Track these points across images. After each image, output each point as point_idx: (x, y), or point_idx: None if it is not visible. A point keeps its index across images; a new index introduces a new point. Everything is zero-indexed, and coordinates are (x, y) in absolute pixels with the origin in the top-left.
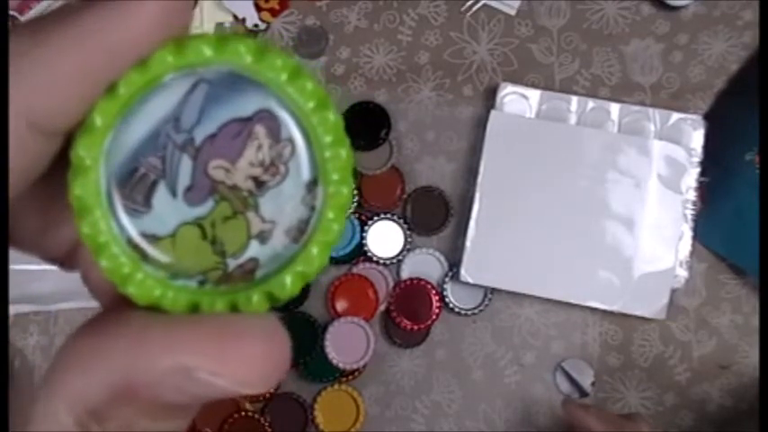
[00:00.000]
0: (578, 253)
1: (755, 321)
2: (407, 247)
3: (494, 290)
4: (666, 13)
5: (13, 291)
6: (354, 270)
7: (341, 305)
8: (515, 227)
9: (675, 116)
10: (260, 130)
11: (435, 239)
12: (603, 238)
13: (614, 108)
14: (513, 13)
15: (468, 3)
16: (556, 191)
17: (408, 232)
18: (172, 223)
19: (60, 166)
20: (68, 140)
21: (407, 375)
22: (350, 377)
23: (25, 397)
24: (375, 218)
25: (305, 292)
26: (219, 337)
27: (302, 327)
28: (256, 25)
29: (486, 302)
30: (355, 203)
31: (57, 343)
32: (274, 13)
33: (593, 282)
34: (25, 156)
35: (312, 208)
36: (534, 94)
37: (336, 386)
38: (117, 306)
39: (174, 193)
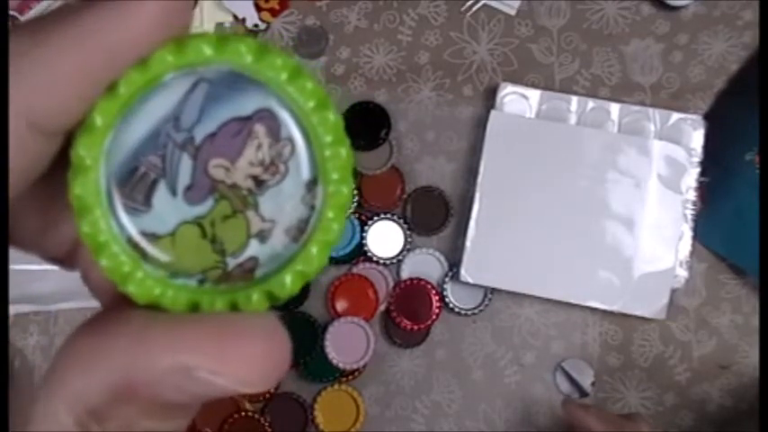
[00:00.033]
0: (578, 253)
1: (755, 321)
2: (407, 247)
3: (494, 290)
4: (666, 13)
5: (13, 291)
6: (354, 270)
7: (341, 305)
8: (515, 227)
9: (675, 116)
10: (260, 129)
11: (435, 239)
12: (603, 238)
13: (614, 108)
14: (513, 13)
15: (468, 3)
16: (556, 191)
17: (408, 232)
18: (172, 222)
19: (60, 165)
20: (68, 140)
21: (407, 375)
22: (350, 377)
23: (25, 397)
24: (375, 218)
25: (305, 291)
26: (219, 336)
27: (302, 327)
28: (256, 25)
29: (486, 302)
30: (355, 203)
31: (57, 343)
32: (274, 13)
33: (593, 282)
34: (25, 155)
35: (312, 207)
36: (534, 94)
37: (336, 386)
38: (117, 305)
39: (173, 192)
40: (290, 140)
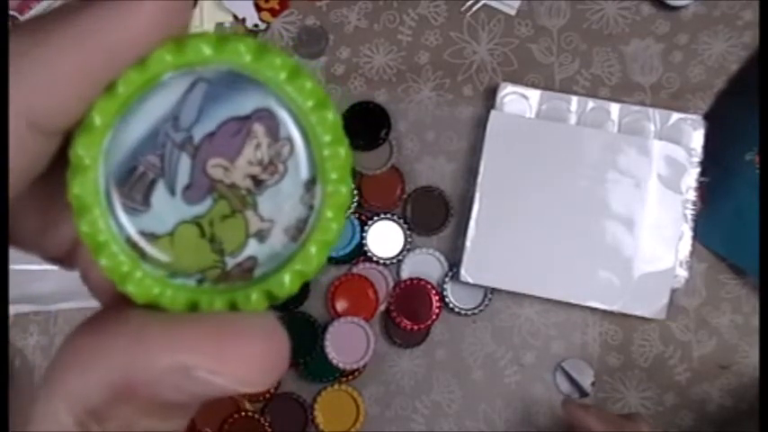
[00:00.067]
0: (578, 253)
1: (755, 321)
2: (407, 247)
3: (494, 290)
4: (666, 13)
5: (13, 291)
6: (354, 270)
7: (341, 305)
8: (515, 227)
9: (675, 116)
10: (259, 128)
11: (435, 239)
12: (603, 238)
13: (614, 108)
14: (513, 13)
15: (469, 3)
16: (556, 191)
17: (408, 232)
18: (170, 222)
19: (59, 165)
20: (67, 140)
21: (407, 375)
22: (350, 377)
23: (25, 397)
24: (375, 218)
25: (305, 292)
26: (218, 335)
27: (302, 327)
28: (256, 25)
29: (486, 302)
30: (355, 203)
31: (57, 343)
32: (274, 13)
33: (593, 282)
34: (25, 155)
35: (311, 207)
36: (534, 94)
37: (336, 386)
38: (116, 305)
39: (172, 192)
40: (289, 140)
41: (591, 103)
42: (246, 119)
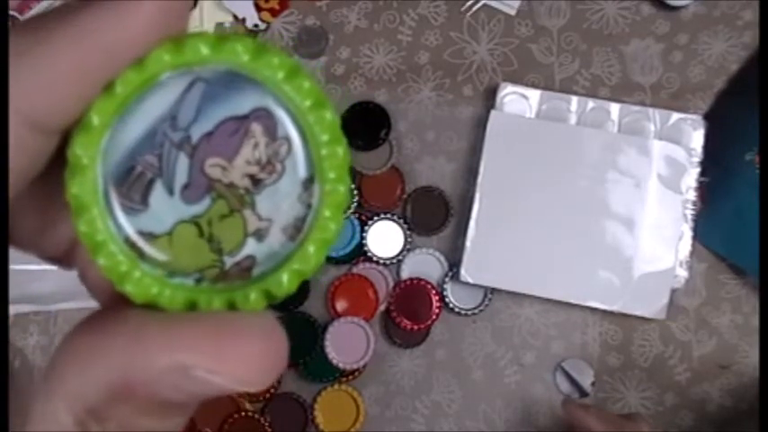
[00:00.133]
0: (578, 253)
1: (755, 321)
2: (407, 247)
3: (494, 290)
4: (666, 13)
5: (13, 291)
6: (354, 270)
7: (341, 305)
8: (515, 227)
9: (675, 116)
10: (257, 128)
11: (435, 239)
12: (603, 238)
13: (614, 108)
14: (513, 13)
15: (469, 3)
16: (556, 191)
17: (408, 232)
18: (169, 221)
19: (58, 164)
20: (66, 139)
21: (407, 375)
22: (350, 377)
23: (25, 397)
24: (375, 218)
25: (305, 292)
26: (217, 335)
27: (302, 327)
28: (256, 25)
29: (486, 302)
30: (355, 203)
31: (57, 343)
32: (274, 13)
33: (593, 282)
34: (23, 154)
35: (309, 206)
36: (534, 94)
37: (336, 386)
38: (115, 304)
39: (170, 192)
40: (287, 139)
41: (591, 103)
42: (244, 118)
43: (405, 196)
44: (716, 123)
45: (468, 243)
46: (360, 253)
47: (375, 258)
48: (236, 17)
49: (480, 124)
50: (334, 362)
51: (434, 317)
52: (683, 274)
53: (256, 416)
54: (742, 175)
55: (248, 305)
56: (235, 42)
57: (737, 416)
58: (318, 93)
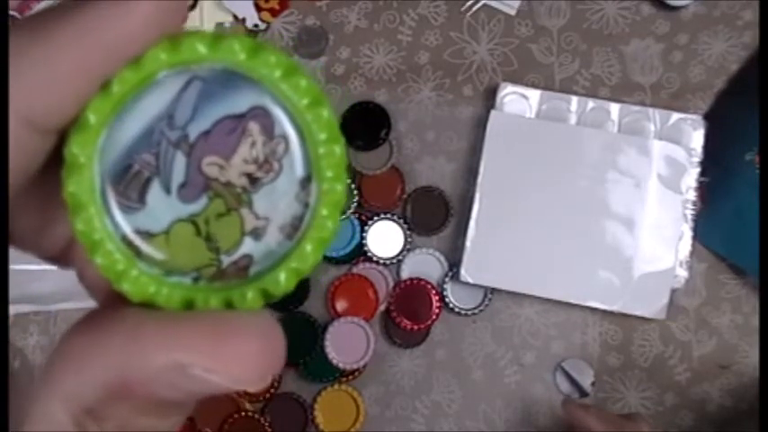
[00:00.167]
0: (578, 253)
1: (755, 321)
2: (407, 247)
3: (494, 290)
4: (666, 13)
5: (13, 291)
6: (354, 270)
7: (341, 305)
8: (515, 227)
9: (675, 116)
10: (254, 126)
11: (435, 239)
12: (603, 238)
13: (614, 108)
14: (513, 13)
15: (469, 3)
16: (556, 191)
17: (408, 232)
18: (166, 220)
19: (55, 163)
20: (63, 138)
21: (407, 375)
22: (350, 377)
23: (24, 397)
24: (375, 218)
25: (305, 292)
26: (214, 333)
27: (302, 327)
28: (256, 25)
29: (486, 302)
30: (355, 203)
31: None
32: (274, 13)
33: (593, 282)
34: (20, 153)
35: (306, 205)
36: (534, 94)
37: (336, 386)
38: (112, 303)
39: (167, 190)
40: (284, 138)
41: (591, 103)
42: (242, 117)
43: (405, 196)
44: (716, 123)
45: (468, 243)
46: (360, 253)
47: (375, 258)
48: (236, 17)
49: (480, 124)
50: (334, 362)
51: (434, 317)
52: (683, 274)
53: (256, 416)
54: (742, 175)
55: (245, 304)
56: (232, 41)
57: (737, 416)
58: (316, 91)
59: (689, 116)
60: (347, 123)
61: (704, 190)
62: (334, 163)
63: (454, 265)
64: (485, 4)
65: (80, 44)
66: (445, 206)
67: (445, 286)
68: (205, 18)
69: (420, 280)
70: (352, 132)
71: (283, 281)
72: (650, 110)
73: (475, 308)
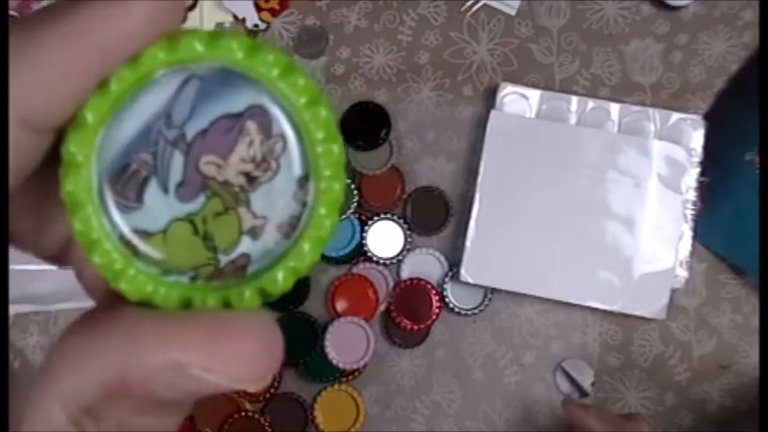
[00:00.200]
0: (578, 253)
1: (755, 321)
2: (407, 247)
3: (494, 290)
4: (666, 13)
5: (13, 291)
6: (354, 270)
7: (341, 305)
8: (515, 227)
9: (675, 116)
10: (251, 125)
11: (435, 239)
12: (603, 238)
13: (614, 108)
14: (513, 13)
15: (469, 3)
16: (556, 191)
17: (408, 232)
18: (163, 219)
19: (52, 162)
20: (60, 137)
21: (407, 375)
22: (350, 377)
23: (22, 397)
24: (375, 218)
25: (305, 292)
26: (212, 332)
27: (302, 327)
28: (256, 25)
29: (486, 302)
30: (355, 203)
31: None
32: (274, 13)
33: (593, 282)
34: (18, 152)
35: (304, 204)
36: (534, 94)
37: (336, 386)
38: (110, 302)
39: (165, 189)
40: (282, 137)
41: (591, 103)
42: (239, 116)
43: (405, 196)
44: (716, 123)
45: (468, 243)
46: (360, 253)
47: (375, 258)
48: (236, 17)
49: (480, 124)
50: (334, 362)
51: (434, 317)
52: (683, 274)
53: (256, 416)
54: (742, 175)
55: (243, 303)
56: (229, 39)
57: (737, 416)
58: (313, 90)
59: (689, 116)
60: (347, 123)
61: (704, 190)
62: (332, 162)
63: (454, 265)
64: (485, 4)
65: (76, 44)
66: (445, 206)
67: (445, 286)
68: (205, 18)
69: (420, 280)
70: (352, 132)
71: (281, 280)
72: (650, 110)
73: (475, 308)
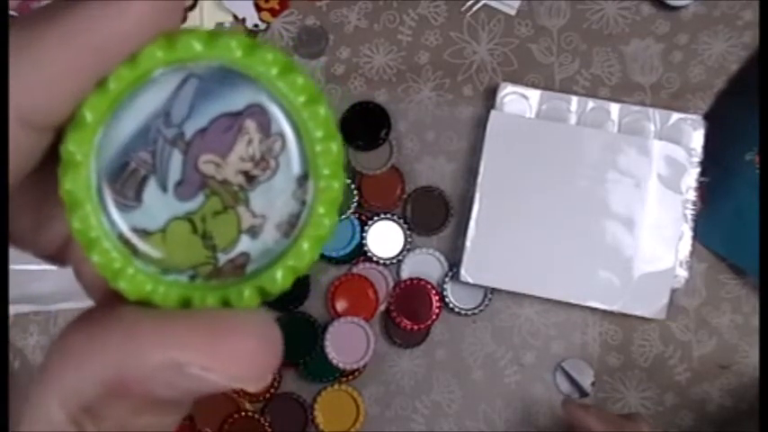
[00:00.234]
0: (578, 253)
1: (755, 321)
2: (407, 247)
3: (494, 290)
4: (666, 13)
5: (13, 291)
6: (354, 270)
7: (341, 305)
8: (515, 227)
9: (675, 116)
10: (250, 124)
11: (435, 239)
12: (603, 238)
13: (614, 108)
14: (513, 13)
15: (469, 3)
16: (556, 191)
17: (408, 232)
18: (162, 218)
19: (51, 161)
20: (59, 136)
21: (407, 375)
22: (350, 377)
23: (21, 396)
24: (375, 218)
25: (305, 292)
26: (211, 332)
27: (302, 327)
28: (256, 25)
29: (486, 302)
30: (355, 203)
31: None
32: (274, 13)
33: (593, 282)
34: (16, 152)
35: (303, 202)
36: (534, 94)
37: (336, 386)
38: (109, 301)
39: (164, 188)
40: (281, 136)
41: (591, 103)
42: (238, 115)
43: (405, 196)
44: (716, 123)
45: (468, 243)
46: (360, 253)
47: (375, 258)
48: (236, 17)
49: (480, 124)
50: (334, 362)
51: (434, 317)
52: (683, 274)
53: (256, 416)
54: (742, 175)
55: (242, 302)
56: (228, 38)
57: (737, 416)
58: (312, 89)
59: (689, 116)
60: (347, 123)
61: (704, 190)
62: (331, 160)
63: (454, 265)
64: (485, 4)
65: (74, 44)
66: (445, 206)
67: (445, 286)
68: (205, 18)
69: (420, 280)
70: (352, 132)
71: (280, 279)
72: (650, 110)
73: (475, 308)
